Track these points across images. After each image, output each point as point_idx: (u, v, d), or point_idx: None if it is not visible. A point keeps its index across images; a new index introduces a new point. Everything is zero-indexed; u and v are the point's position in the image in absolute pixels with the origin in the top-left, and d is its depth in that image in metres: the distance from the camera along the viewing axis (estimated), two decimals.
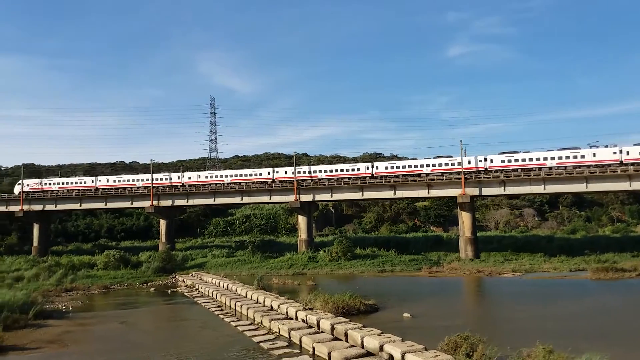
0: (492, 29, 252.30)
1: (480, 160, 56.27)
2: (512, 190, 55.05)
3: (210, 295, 33.46)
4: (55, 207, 66.87)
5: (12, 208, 67.15)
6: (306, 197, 59.98)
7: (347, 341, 18.14)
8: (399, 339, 16.81)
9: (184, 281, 43.02)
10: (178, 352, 18.92)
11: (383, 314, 25.52)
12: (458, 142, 66.95)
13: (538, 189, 53.76)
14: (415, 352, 15.15)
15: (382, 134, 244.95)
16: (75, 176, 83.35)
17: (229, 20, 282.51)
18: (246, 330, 21.91)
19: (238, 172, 66.66)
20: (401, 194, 58.72)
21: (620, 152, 50.95)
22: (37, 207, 66.16)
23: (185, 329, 24.06)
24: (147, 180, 66.72)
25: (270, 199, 63.22)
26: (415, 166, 59.30)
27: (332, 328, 19.61)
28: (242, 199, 64.38)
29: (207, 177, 66.22)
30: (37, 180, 74.16)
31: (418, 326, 22.10)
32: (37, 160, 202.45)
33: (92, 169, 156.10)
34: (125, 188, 66.90)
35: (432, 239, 67.89)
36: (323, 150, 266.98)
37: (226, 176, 65.41)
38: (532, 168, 53.54)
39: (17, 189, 72.54)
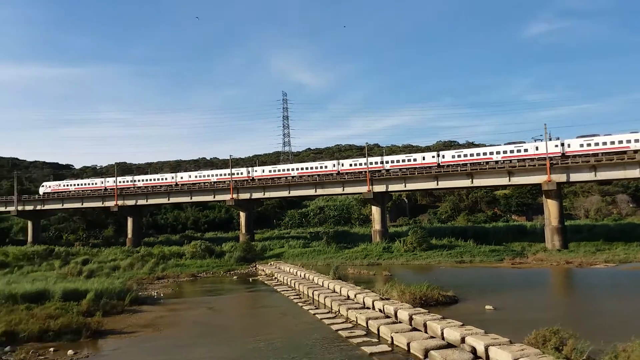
0: (580, 3, 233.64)
1: (557, 145, 52.52)
2: (603, 175, 50.89)
3: (289, 284, 34.53)
4: (146, 201, 72.09)
5: (108, 203, 73.28)
6: (379, 188, 59.69)
7: (426, 332, 17.96)
8: (482, 332, 16.33)
9: (263, 270, 44.72)
10: (262, 337, 19.81)
11: (463, 305, 24.89)
12: (542, 127, 62.22)
13: (633, 173, 49.27)
14: (499, 345, 14.65)
15: (457, 121, 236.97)
16: (161, 172, 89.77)
17: (299, 17, 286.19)
18: (325, 319, 22.41)
19: (309, 164, 67.96)
20: (479, 182, 56.51)
21: None
22: (130, 202, 71.69)
23: (268, 316, 25.09)
24: (215, 175, 71.30)
25: (343, 190, 63.66)
26: (485, 154, 56.77)
27: (410, 318, 19.49)
28: (315, 191, 65.41)
29: (278, 170, 68.30)
30: (57, 182, 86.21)
31: (501, 319, 21.31)
32: (129, 159, 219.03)
33: (178, 166, 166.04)
34: (207, 182, 70.68)
35: (514, 229, 64.75)
36: (395, 141, 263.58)
37: (297, 169, 67.03)
38: (616, 152, 49.17)
39: (41, 190, 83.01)
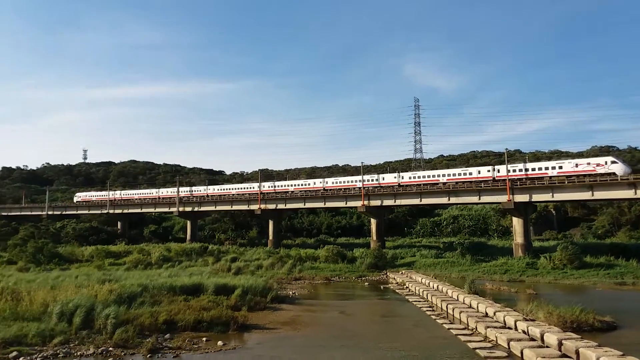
0: None
1: None
2: None
3: (421, 294, 33.78)
4: (285, 206, 76.73)
5: (252, 207, 79.61)
6: (521, 198, 55.21)
7: None
8: None
9: (394, 278, 44.43)
10: (394, 347, 19.72)
11: (622, 333, 21.83)
12: None
13: None
14: None
15: (616, 123, 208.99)
16: (299, 179, 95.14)
17: (431, 21, 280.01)
18: (460, 335, 21.47)
19: (442, 172, 65.64)
20: None
21: None
22: (271, 206, 76.96)
23: (400, 325, 24.88)
24: (345, 182, 73.15)
25: (479, 199, 60.27)
26: None
27: (560, 343, 17.71)
28: (449, 200, 63.00)
29: (410, 177, 67.19)
30: (87, 193, 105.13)
31: None
32: (270, 165, 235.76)
33: (313, 172, 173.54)
34: (340, 189, 72.74)
35: None
36: (540, 146, 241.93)
37: (430, 176, 65.20)
38: None
39: (75, 199, 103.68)
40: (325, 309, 29.86)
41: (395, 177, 68.79)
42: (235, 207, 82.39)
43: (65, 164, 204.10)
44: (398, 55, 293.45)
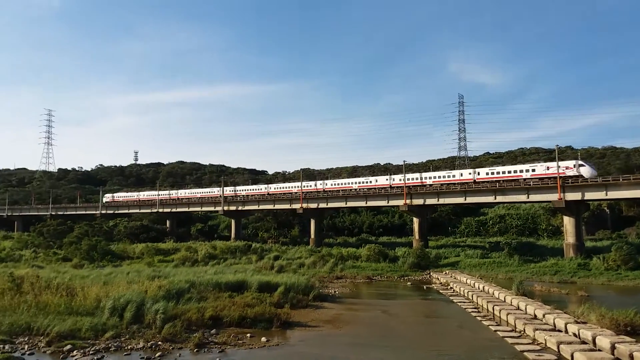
0: None
1: None
2: None
3: (466, 295, 33.06)
4: (327, 205, 76.99)
5: (294, 206, 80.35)
6: (573, 196, 52.86)
7: None
8: None
9: (438, 278, 43.68)
10: (438, 348, 19.45)
11: None
12: None
13: None
14: None
15: None
16: (340, 178, 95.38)
17: (476, 15, 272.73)
18: (507, 337, 20.88)
19: (488, 170, 63.91)
20: None
21: None
22: (313, 205, 77.42)
23: (444, 326, 24.48)
24: (365, 182, 73.52)
25: (527, 197, 58.16)
26: None
27: (613, 347, 16.95)
28: (495, 198, 61.17)
29: (452, 176, 65.90)
30: (110, 195, 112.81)
31: None
32: (312, 165, 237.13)
33: (354, 171, 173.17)
34: (382, 188, 72.26)
35: None
36: (594, 142, 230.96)
37: (475, 173, 63.66)
38: None
39: (104, 199, 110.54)
40: (367, 308, 29.78)
41: (436, 177, 67.83)
42: (277, 206, 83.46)
43: (117, 166, 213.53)
44: (442, 51, 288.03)
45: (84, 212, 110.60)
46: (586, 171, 53.17)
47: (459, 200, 64.17)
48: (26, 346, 19.02)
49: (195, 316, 22.81)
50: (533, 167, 58.30)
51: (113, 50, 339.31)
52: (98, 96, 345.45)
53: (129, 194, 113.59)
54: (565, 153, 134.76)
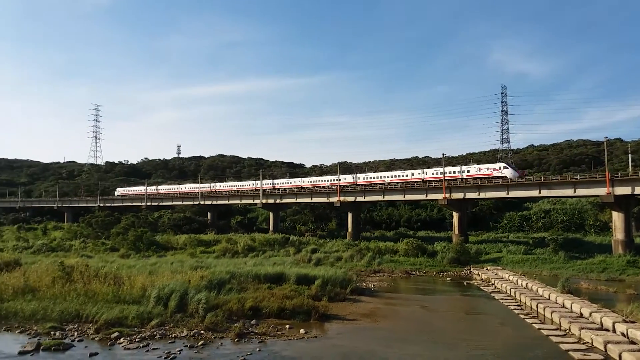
0: None
1: None
2: None
3: (508, 292, 32.27)
4: (364, 198, 76.70)
5: (331, 199, 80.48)
6: (622, 190, 50.42)
7: None
8: None
9: (478, 274, 42.80)
10: (479, 345, 19.13)
11: None
12: None
13: None
14: None
15: None
16: (378, 171, 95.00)
17: (517, 4, 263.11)
18: (551, 335, 20.29)
19: (434, 170, 70.05)
20: None
21: None
22: (350, 199, 77.33)
23: (484, 323, 24.03)
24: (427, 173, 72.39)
25: (574, 192, 55.93)
26: None
27: None
28: (539, 192, 59.15)
29: (405, 175, 71.02)
30: (125, 188, 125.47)
31: None
32: (349, 158, 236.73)
33: (392, 164, 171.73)
34: (421, 181, 71.37)
35: None
36: None
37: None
38: None
39: (116, 193, 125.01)
40: (406, 302, 29.59)
41: (480, 170, 66.53)
42: (315, 200, 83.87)
43: (161, 159, 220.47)
44: (483, 41, 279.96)
45: (130, 204, 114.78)
46: (509, 173, 62.29)
47: (501, 194, 62.49)
48: (75, 333, 19.92)
49: (235, 306, 23.36)
50: (468, 169, 67.88)
51: (158, 46, 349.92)
52: (143, 91, 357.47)
53: (171, 186, 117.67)
54: (614, 145, 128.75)
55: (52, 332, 19.83)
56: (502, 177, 62.22)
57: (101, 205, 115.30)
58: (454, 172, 68.74)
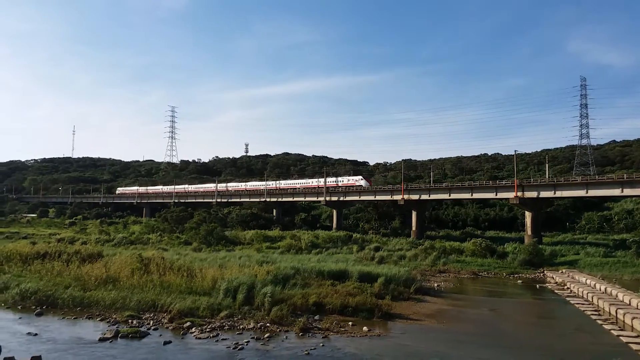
0: None
1: None
2: None
3: (585, 296, 30.33)
4: (429, 196, 75.11)
5: (395, 197, 79.57)
6: None
7: None
8: None
9: (553, 277, 40.54)
10: (552, 350, 18.21)
11: None
12: None
13: None
14: None
15: None
16: (443, 169, 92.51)
17: None
18: (631, 343, 18.90)
19: (334, 179, 72.23)
20: None
21: None
22: (414, 197, 76.03)
23: (558, 328, 22.79)
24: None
25: None
26: None
27: None
28: (621, 191, 54.87)
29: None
30: (124, 188, 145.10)
31: None
32: (414, 156, 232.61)
33: (459, 162, 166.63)
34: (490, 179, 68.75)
35: None
36: None
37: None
38: None
39: (117, 191, 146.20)
40: (473, 304, 28.66)
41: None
42: (378, 197, 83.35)
43: (230, 157, 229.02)
44: (559, 31, 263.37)
45: (201, 200, 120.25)
46: (363, 183, 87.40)
47: (580, 193, 58.78)
48: (151, 322, 21.18)
49: (300, 301, 23.82)
50: (342, 179, 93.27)
51: (229, 48, 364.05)
52: (214, 92, 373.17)
53: (239, 184, 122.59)
54: None
55: (130, 321, 21.19)
56: (359, 186, 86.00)
57: (176, 201, 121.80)
58: (334, 182, 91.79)
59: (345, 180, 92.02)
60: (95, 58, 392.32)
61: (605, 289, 31.19)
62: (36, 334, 18.92)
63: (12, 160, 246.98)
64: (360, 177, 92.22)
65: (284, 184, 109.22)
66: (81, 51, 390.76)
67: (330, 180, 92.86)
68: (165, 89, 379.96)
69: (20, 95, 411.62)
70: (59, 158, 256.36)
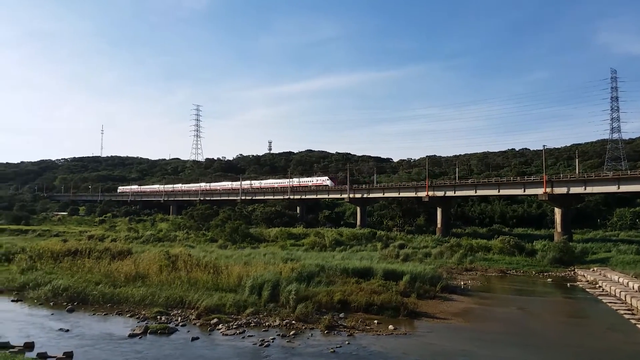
0: None
1: None
2: None
3: (618, 295, 29.42)
4: (454, 193, 74.09)
5: (419, 194, 78.82)
6: None
7: None
8: None
9: (584, 276, 39.47)
10: (584, 350, 17.76)
11: None
12: None
13: None
14: None
15: None
16: (469, 165, 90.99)
17: None
18: None
19: (298, 179, 67.70)
20: None
21: None
22: (439, 194, 75.14)
23: (590, 328, 22.19)
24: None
25: None
26: None
27: None
28: None
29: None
30: (124, 187, 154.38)
31: None
32: (438, 152, 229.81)
33: (485, 157, 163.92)
34: (518, 175, 67.31)
35: None
36: None
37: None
38: None
39: (119, 190, 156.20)
40: (501, 303, 28.15)
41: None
42: (402, 194, 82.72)
43: (254, 155, 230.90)
44: (586, 21, 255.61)
45: (226, 198, 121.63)
46: (329, 183, 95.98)
47: (611, 188, 57.09)
48: (179, 318, 21.51)
49: (324, 299, 23.81)
50: (312, 180, 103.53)
51: (251, 47, 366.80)
52: (238, 90, 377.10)
53: (262, 181, 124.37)
54: None
55: (159, 317, 21.55)
56: (325, 186, 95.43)
57: (202, 199, 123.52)
58: (305, 182, 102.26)
59: (314, 180, 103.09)
60: (118, 57, 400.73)
61: (639, 287, 30.19)
62: (67, 330, 19.43)
63: (43, 160, 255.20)
64: (327, 177, 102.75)
65: (264, 183, 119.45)
66: (104, 50, 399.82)
67: (303, 181, 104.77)
68: (192, 87, 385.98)
69: (47, 95, 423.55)
70: (88, 157, 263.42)
